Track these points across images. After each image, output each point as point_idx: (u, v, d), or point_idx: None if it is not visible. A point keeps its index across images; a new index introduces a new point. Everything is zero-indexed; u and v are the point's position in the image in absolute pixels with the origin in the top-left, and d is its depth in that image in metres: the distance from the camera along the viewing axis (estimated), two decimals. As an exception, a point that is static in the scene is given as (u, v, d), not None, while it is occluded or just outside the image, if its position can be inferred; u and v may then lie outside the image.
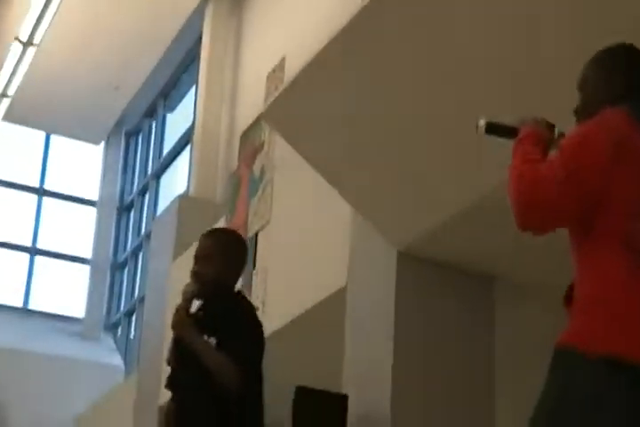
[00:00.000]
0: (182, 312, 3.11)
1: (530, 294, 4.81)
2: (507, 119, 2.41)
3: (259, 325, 3.19)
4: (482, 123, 2.33)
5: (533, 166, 2.16)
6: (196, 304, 3.25)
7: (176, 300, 7.38)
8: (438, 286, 4.85)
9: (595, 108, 2.26)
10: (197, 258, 3.18)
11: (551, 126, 2.33)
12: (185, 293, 3.15)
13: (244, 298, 3.26)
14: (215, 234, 3.32)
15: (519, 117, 2.35)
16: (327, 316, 5.28)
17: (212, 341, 3.05)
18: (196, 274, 3.18)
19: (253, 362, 2.98)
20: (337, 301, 5.06)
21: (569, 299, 2.22)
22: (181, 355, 3.06)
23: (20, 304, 11.38)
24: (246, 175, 6.67)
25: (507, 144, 2.35)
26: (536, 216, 2.16)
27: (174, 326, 3.10)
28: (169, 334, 7.15)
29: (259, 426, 3.04)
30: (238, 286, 3.40)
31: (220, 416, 2.94)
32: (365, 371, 4.70)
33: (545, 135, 2.30)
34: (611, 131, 2.17)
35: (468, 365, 4.77)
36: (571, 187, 2.13)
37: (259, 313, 6.00)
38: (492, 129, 2.32)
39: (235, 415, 2.95)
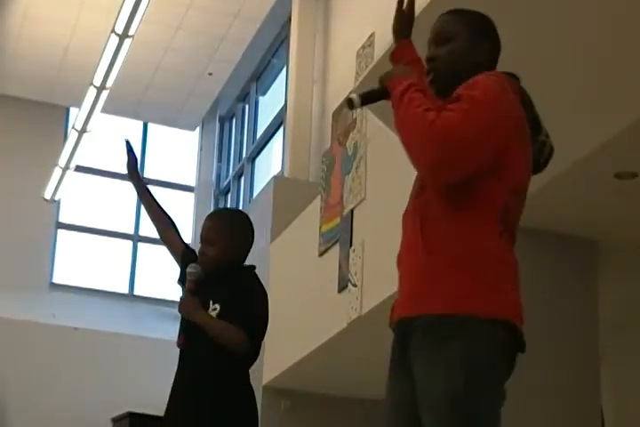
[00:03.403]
0: (188, 294, 3.16)
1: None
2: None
3: (265, 299, 3.24)
4: (354, 96, 2.28)
5: (438, 115, 2.08)
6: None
7: (277, 280, 7.52)
8: (539, 252, 4.84)
9: (460, 65, 2.26)
10: (202, 239, 3.26)
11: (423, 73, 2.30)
12: (190, 274, 3.20)
13: (253, 273, 3.29)
14: (215, 215, 3.39)
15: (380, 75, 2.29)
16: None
17: (217, 307, 3.12)
18: (200, 255, 3.25)
19: (255, 331, 3.08)
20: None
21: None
22: (191, 335, 3.15)
23: (125, 290, 11.66)
24: (339, 153, 6.67)
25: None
26: (452, 166, 2.08)
27: (181, 310, 3.16)
28: (270, 321, 7.26)
29: (248, 403, 3.14)
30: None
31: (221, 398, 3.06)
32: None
33: (425, 84, 2.25)
34: (509, 96, 2.16)
35: (572, 330, 4.75)
36: (482, 139, 2.08)
37: (356, 289, 6.08)
38: (366, 98, 2.27)
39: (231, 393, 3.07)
